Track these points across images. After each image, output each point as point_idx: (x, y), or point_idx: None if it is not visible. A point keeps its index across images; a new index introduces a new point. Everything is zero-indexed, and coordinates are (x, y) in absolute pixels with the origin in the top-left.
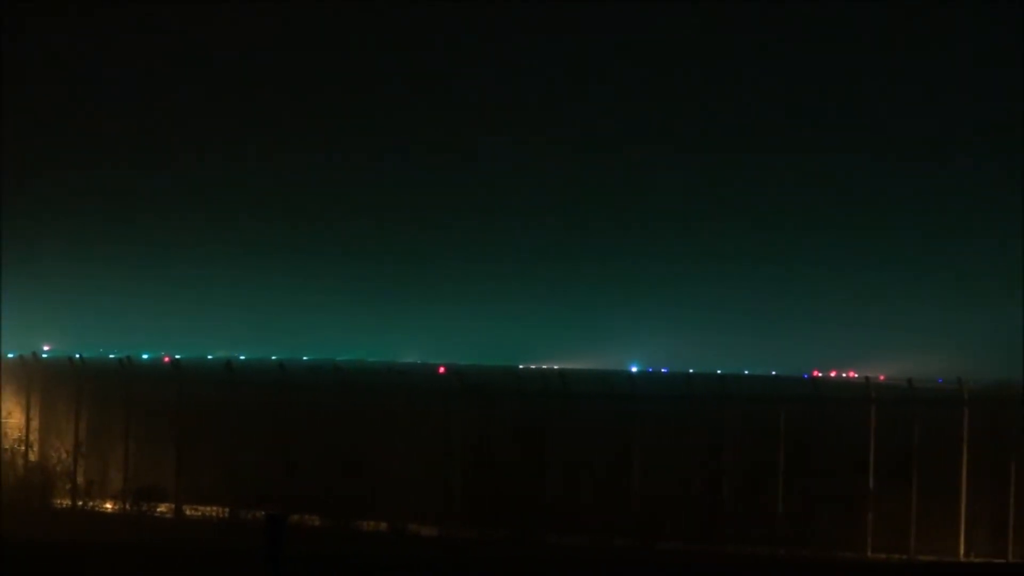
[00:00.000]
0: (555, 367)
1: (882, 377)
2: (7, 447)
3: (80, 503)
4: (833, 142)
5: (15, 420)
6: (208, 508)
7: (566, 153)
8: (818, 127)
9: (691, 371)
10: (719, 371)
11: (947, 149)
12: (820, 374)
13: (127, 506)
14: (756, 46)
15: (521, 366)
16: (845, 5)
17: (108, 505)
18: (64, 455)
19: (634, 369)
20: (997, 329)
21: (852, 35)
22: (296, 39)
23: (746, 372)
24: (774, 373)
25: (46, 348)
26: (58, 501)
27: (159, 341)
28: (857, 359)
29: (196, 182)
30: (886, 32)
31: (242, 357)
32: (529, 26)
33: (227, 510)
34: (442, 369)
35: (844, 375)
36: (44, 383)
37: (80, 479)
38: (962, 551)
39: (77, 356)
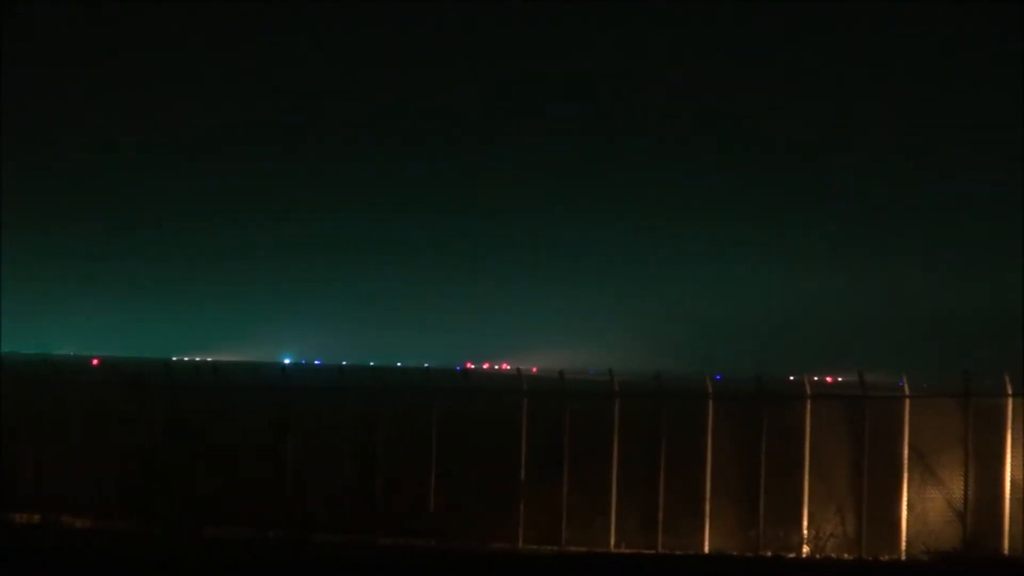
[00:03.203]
0: (208, 359)
1: (535, 369)
2: None
3: None
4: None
5: None
6: None
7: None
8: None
9: (344, 363)
10: (372, 363)
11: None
12: (473, 366)
13: None
14: None
15: (175, 358)
16: None
17: None
18: None
19: (287, 361)
20: (653, 322)
21: None
22: None
23: (399, 364)
24: (427, 365)
25: None
26: None
27: None
28: (516, 352)
29: None
30: None
31: None
32: None
33: None
34: (96, 361)
35: (497, 367)
36: None
37: None
38: (613, 542)
39: None
